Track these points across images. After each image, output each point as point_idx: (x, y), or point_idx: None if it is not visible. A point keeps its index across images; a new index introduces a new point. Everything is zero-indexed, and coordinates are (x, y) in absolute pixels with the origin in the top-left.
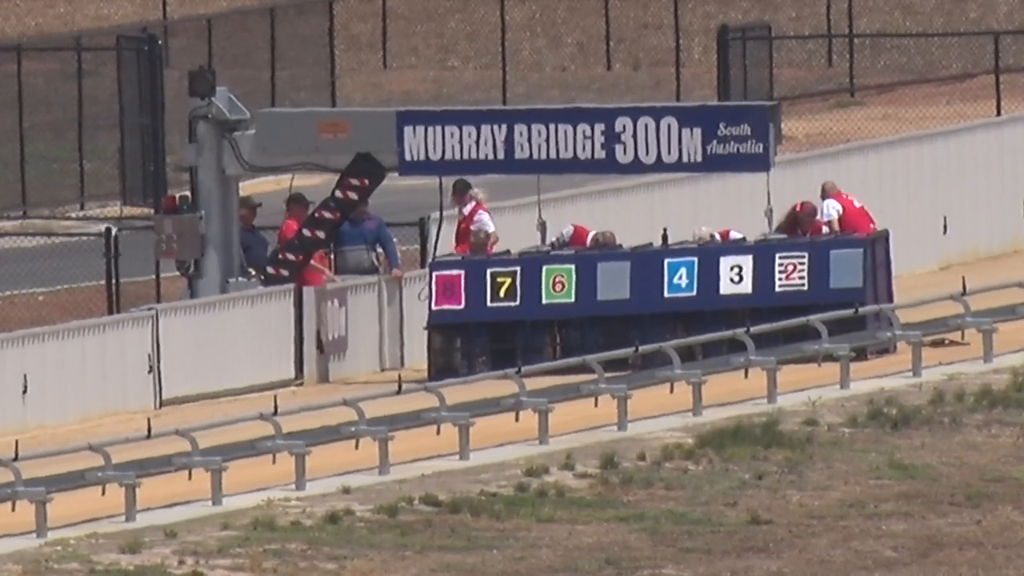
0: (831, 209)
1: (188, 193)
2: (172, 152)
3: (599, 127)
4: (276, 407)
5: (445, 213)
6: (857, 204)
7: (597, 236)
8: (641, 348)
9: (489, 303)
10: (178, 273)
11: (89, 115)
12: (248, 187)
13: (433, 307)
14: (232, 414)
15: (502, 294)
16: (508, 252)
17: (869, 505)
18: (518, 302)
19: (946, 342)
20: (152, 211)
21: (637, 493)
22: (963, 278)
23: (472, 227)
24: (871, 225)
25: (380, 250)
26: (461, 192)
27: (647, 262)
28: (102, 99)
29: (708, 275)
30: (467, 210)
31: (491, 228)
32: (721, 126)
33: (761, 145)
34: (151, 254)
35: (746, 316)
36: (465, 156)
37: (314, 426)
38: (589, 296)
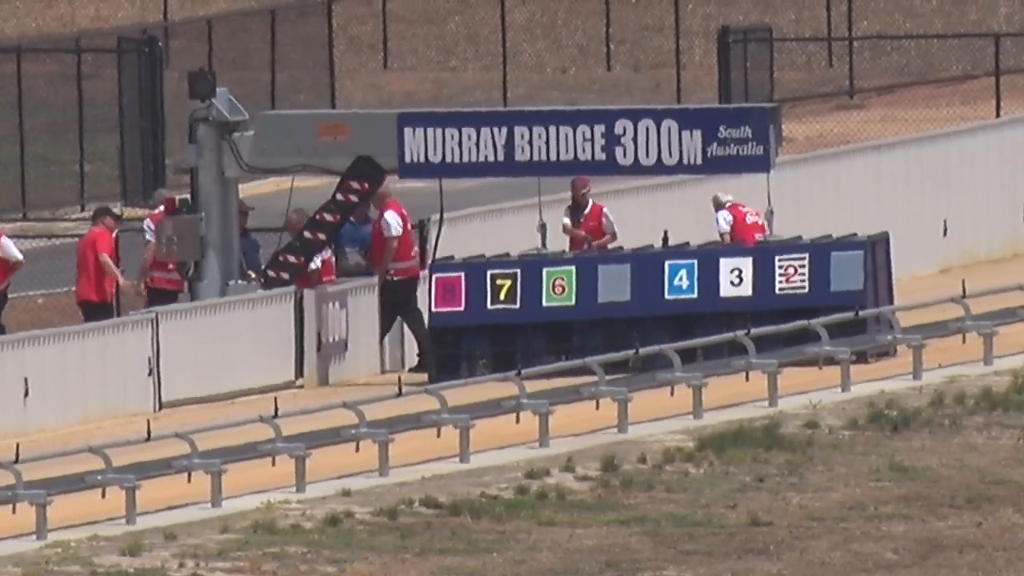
0: (723, 221)
1: (188, 196)
2: (172, 154)
3: (599, 129)
4: (276, 409)
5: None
6: (750, 219)
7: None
8: (642, 350)
9: (489, 306)
10: (178, 275)
11: (89, 117)
12: (248, 189)
13: (433, 309)
14: (232, 416)
15: (502, 296)
16: (508, 255)
17: (869, 507)
18: (518, 305)
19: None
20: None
21: (638, 496)
22: (963, 281)
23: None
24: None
25: None
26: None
27: (647, 264)
28: (102, 101)
29: (708, 277)
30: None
31: None
32: (722, 128)
33: (762, 147)
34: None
35: (746, 318)
36: (465, 158)
37: (314, 428)
38: (589, 298)
